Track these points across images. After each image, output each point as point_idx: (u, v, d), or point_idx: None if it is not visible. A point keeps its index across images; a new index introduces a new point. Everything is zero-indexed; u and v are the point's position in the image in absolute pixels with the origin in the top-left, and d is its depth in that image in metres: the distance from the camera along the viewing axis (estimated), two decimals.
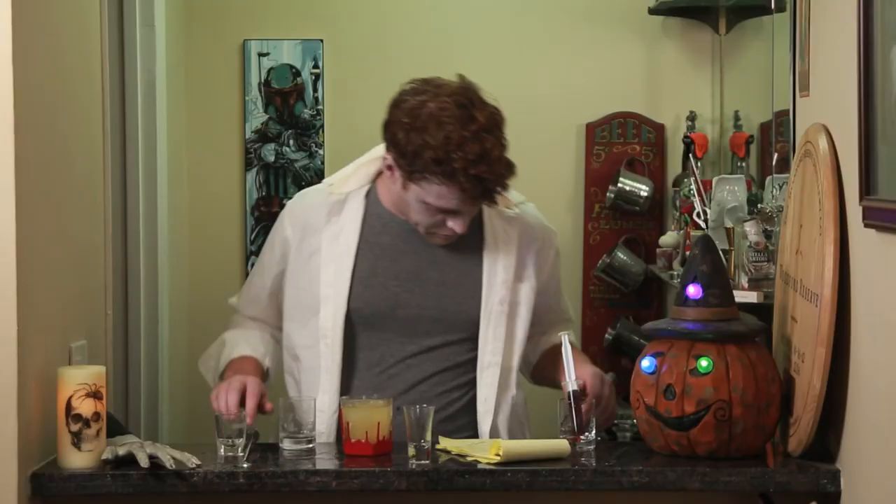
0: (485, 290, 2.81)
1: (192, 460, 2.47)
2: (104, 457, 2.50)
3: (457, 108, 2.68)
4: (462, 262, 2.84)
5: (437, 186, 2.68)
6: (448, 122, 2.67)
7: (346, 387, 2.81)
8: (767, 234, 3.15)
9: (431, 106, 2.69)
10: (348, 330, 2.81)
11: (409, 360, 2.82)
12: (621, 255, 4.87)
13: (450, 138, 2.65)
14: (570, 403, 2.66)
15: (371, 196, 2.86)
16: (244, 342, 2.94)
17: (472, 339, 2.83)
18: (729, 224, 3.39)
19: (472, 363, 2.83)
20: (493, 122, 2.71)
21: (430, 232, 2.79)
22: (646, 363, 2.56)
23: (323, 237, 2.84)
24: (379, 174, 2.86)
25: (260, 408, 2.70)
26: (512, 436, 2.81)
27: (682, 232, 4.27)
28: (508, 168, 2.72)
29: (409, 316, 2.81)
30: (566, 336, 2.76)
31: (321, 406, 2.76)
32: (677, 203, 4.51)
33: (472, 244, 2.84)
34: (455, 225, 2.74)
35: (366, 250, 2.83)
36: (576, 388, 2.67)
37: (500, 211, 2.85)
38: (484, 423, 2.80)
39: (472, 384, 2.83)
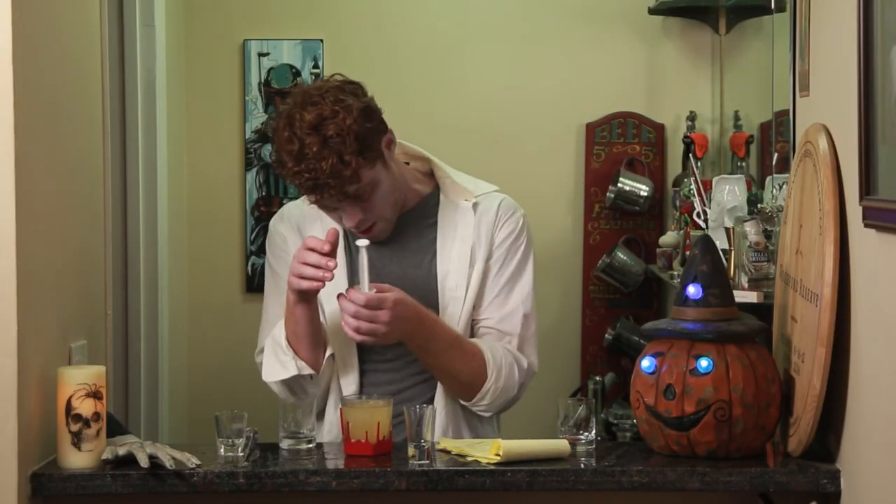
0: (440, 281, 2.81)
1: (192, 460, 2.47)
2: (104, 457, 2.50)
3: (296, 108, 2.66)
4: (418, 255, 2.83)
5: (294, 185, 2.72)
6: (289, 122, 2.65)
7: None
8: (767, 234, 3.14)
9: (288, 105, 2.68)
10: None
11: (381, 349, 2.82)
12: (621, 255, 4.87)
13: (282, 138, 2.66)
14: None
15: None
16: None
17: None
18: (729, 224, 3.38)
19: None
20: (319, 121, 2.63)
21: (353, 230, 2.78)
22: (646, 363, 2.55)
23: (317, 232, 2.83)
24: None
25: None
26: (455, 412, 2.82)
27: (682, 232, 4.27)
28: (340, 166, 2.62)
29: None
30: (364, 247, 2.67)
31: (344, 371, 2.80)
32: (677, 203, 4.51)
33: (428, 236, 2.83)
34: (346, 220, 2.74)
35: (348, 246, 2.86)
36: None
37: (454, 202, 2.84)
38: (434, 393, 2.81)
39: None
